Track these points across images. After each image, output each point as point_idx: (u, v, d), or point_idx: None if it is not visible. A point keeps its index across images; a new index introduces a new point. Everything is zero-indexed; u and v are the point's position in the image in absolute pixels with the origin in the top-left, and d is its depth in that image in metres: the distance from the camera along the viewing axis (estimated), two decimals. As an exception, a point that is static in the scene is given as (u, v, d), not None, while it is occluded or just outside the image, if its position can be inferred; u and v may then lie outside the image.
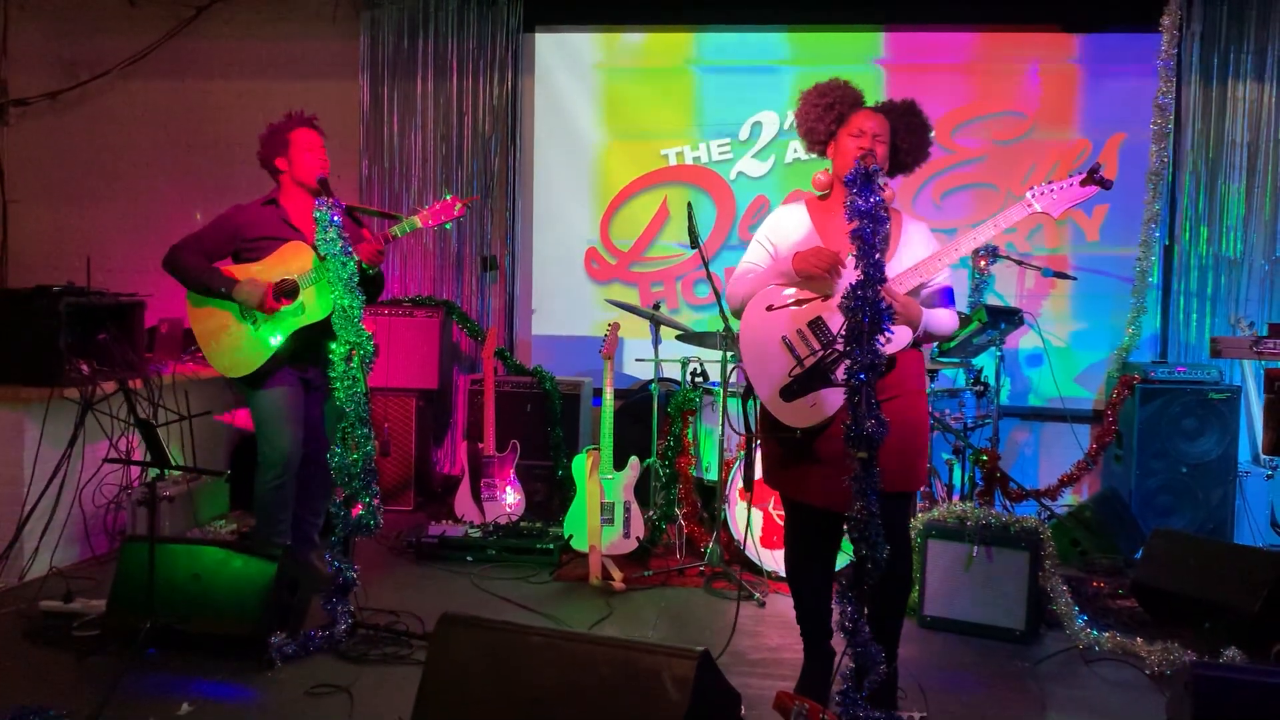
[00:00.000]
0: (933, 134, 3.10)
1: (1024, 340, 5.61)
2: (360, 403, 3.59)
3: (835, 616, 2.89)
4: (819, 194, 3.09)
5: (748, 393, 3.09)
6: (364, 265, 3.75)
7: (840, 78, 3.10)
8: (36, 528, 4.16)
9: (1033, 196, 2.89)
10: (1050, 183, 2.89)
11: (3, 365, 4.20)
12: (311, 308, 3.83)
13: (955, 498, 4.78)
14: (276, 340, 3.83)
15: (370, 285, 4.00)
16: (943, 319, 3.02)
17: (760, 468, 3.29)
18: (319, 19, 6.15)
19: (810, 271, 2.91)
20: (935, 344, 4.56)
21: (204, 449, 5.07)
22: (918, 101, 3.08)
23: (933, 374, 4.93)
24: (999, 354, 5.12)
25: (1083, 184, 2.86)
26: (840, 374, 2.78)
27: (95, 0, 6.19)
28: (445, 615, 2.56)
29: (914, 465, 2.95)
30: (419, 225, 3.83)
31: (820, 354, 2.87)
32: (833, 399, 2.84)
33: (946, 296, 3.07)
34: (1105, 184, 2.86)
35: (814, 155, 3.16)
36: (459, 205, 3.82)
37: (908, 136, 3.02)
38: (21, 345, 4.17)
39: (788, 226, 3.10)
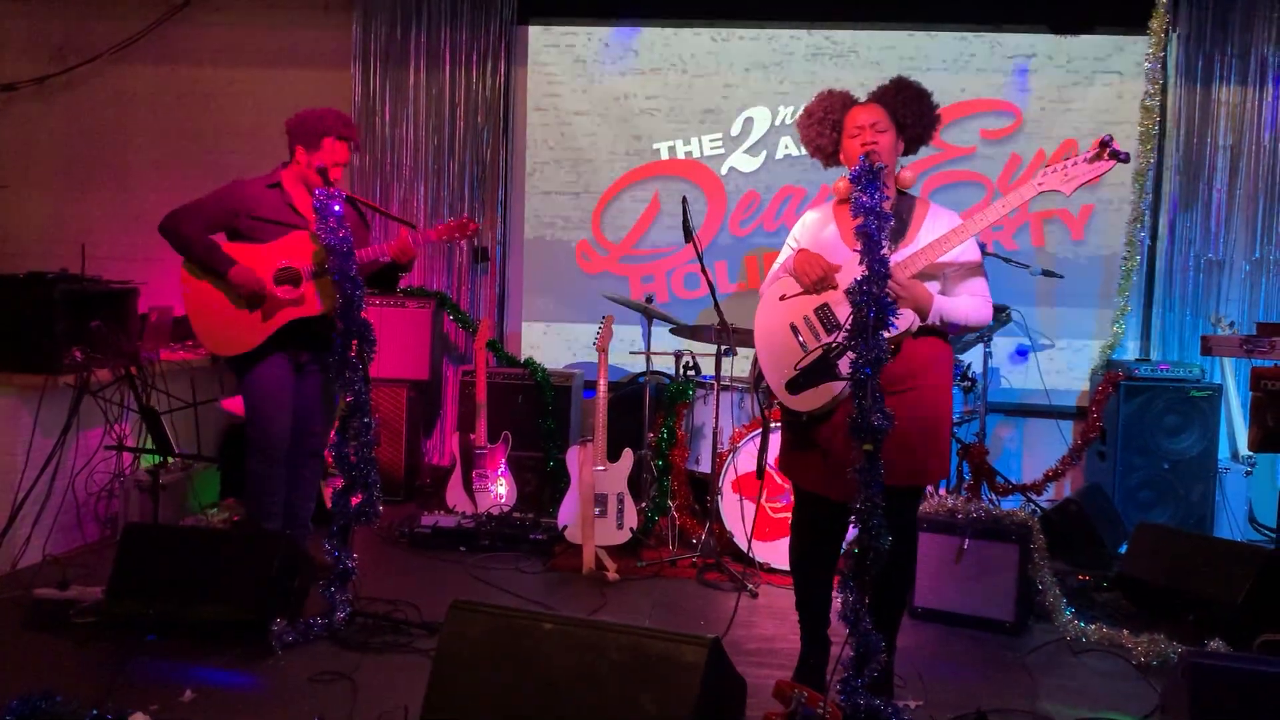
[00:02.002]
0: (934, 96, 3.06)
1: (1010, 337, 5.68)
2: (361, 392, 3.60)
3: (836, 606, 2.94)
4: (840, 200, 3.11)
5: (759, 379, 3.13)
6: (397, 262, 3.85)
7: (824, 89, 3.15)
8: (30, 515, 4.14)
9: (1042, 176, 2.85)
10: (1062, 161, 2.83)
11: (-3, 351, 4.18)
12: (309, 301, 3.84)
13: (943, 491, 4.84)
14: (270, 327, 3.83)
15: (389, 279, 4.04)
16: (964, 305, 2.97)
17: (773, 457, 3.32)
18: (311, 7, 6.12)
19: (800, 278, 2.98)
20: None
21: (194, 436, 5.06)
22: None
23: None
24: (986, 350, 5.19)
25: (1093, 160, 2.78)
26: (845, 368, 2.82)
27: (85, -16, 6.15)
28: (456, 602, 2.58)
29: (925, 461, 2.98)
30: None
31: (823, 348, 2.92)
32: (835, 385, 2.88)
33: (980, 274, 3.03)
34: (1120, 157, 2.76)
35: (833, 166, 3.18)
36: (472, 226, 3.89)
37: (906, 110, 3.02)
38: (16, 332, 4.14)
39: (810, 226, 3.16)
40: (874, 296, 2.74)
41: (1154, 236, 5.66)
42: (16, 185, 6.27)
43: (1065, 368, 5.77)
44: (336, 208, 3.66)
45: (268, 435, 3.92)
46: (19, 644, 3.42)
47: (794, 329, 3.00)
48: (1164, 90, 5.52)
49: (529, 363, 5.65)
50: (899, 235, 2.97)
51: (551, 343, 6.11)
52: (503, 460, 5.18)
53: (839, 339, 2.88)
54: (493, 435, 5.17)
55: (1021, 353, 5.72)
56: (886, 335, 2.77)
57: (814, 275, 2.95)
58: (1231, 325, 5.40)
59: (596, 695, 2.34)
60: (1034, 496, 5.13)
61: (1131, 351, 5.67)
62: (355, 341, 3.59)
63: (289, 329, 3.84)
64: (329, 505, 3.70)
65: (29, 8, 6.19)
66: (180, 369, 4.86)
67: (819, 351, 2.91)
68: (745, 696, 2.61)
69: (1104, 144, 2.80)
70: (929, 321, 2.92)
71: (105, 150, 6.25)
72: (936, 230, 2.96)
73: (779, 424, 3.22)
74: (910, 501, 3.10)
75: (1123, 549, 4.50)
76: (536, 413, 5.51)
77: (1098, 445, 5.32)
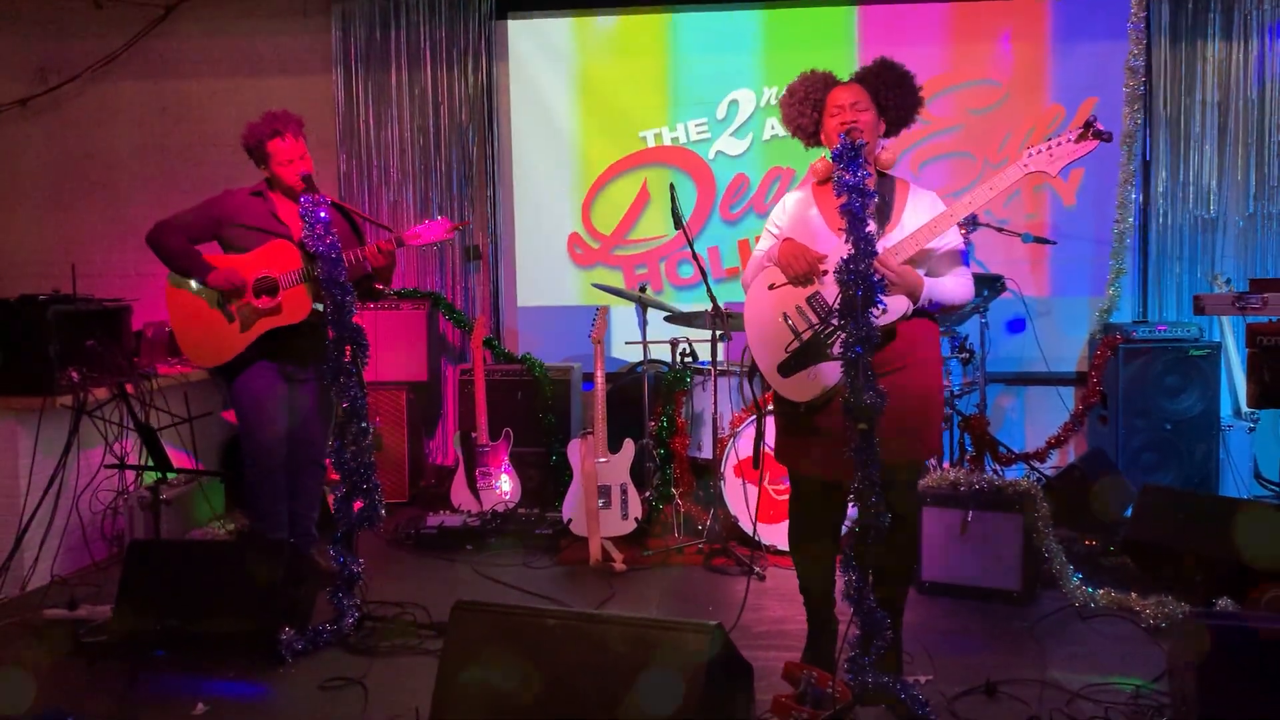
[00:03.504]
0: (916, 78, 3.05)
1: (1006, 306, 5.67)
2: (357, 397, 3.60)
3: (839, 585, 2.94)
4: (820, 181, 3.10)
5: (752, 370, 3.12)
6: (374, 271, 3.82)
7: (807, 69, 3.13)
8: (35, 537, 4.15)
9: (1028, 157, 2.87)
10: (1046, 141, 2.86)
11: (-7, 375, 4.17)
12: (289, 309, 3.83)
13: (946, 464, 4.84)
14: (249, 336, 3.84)
15: (366, 290, 4.02)
16: (951, 286, 2.98)
17: (770, 443, 3.32)
18: (289, 13, 6.10)
19: (784, 270, 2.97)
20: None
21: (191, 449, 5.06)
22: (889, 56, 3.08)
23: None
24: (983, 321, 5.17)
25: (1078, 140, 2.81)
26: (836, 348, 2.81)
27: (62, 3, 6.11)
28: (459, 603, 2.59)
29: (921, 435, 2.99)
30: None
31: (814, 329, 2.91)
32: (829, 372, 2.87)
33: (961, 258, 3.05)
34: (1104, 136, 2.81)
35: (814, 147, 3.16)
36: (449, 227, 3.87)
37: (889, 92, 3.01)
38: (11, 355, 4.14)
39: (792, 211, 3.14)
40: (861, 275, 2.73)
41: (1146, 197, 5.63)
42: (6, 207, 6.27)
43: (1063, 333, 5.75)
44: (322, 214, 3.66)
45: (260, 444, 3.92)
46: (31, 666, 3.42)
47: (785, 318, 2.98)
48: (1148, 50, 5.48)
49: (526, 358, 5.65)
50: (884, 219, 2.96)
51: (548, 337, 6.10)
52: (505, 457, 5.18)
53: (831, 322, 2.87)
54: (494, 432, 5.17)
55: (1017, 326, 5.69)
56: (881, 322, 2.76)
57: (799, 269, 2.94)
58: (1228, 282, 5.38)
59: (602, 688, 2.34)
60: (1037, 465, 5.13)
61: (1129, 314, 5.65)
62: (348, 347, 3.59)
63: (272, 339, 3.85)
64: (334, 511, 3.70)
65: (9, 29, 6.18)
66: (178, 383, 4.86)
67: (810, 334, 2.91)
68: (753, 680, 2.61)
69: (1088, 124, 2.83)
70: (919, 304, 2.93)
71: (92, 168, 6.25)
72: (919, 211, 2.98)
73: (770, 410, 3.22)
74: (910, 477, 3.11)
75: (1128, 512, 4.49)
76: (536, 408, 5.50)
77: (1099, 410, 5.30)
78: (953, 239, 3.00)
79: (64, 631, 3.63)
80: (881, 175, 3.03)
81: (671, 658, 2.34)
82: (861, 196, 2.79)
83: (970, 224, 5.20)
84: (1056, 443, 5.21)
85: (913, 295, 2.89)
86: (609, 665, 2.36)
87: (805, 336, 2.92)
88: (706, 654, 2.32)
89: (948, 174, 5.71)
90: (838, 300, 2.79)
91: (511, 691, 2.39)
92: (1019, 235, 5.24)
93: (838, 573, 3.08)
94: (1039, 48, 5.70)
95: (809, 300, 2.97)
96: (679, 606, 3.95)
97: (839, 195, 2.82)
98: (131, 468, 4.08)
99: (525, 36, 6.05)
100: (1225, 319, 5.41)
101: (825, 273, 2.92)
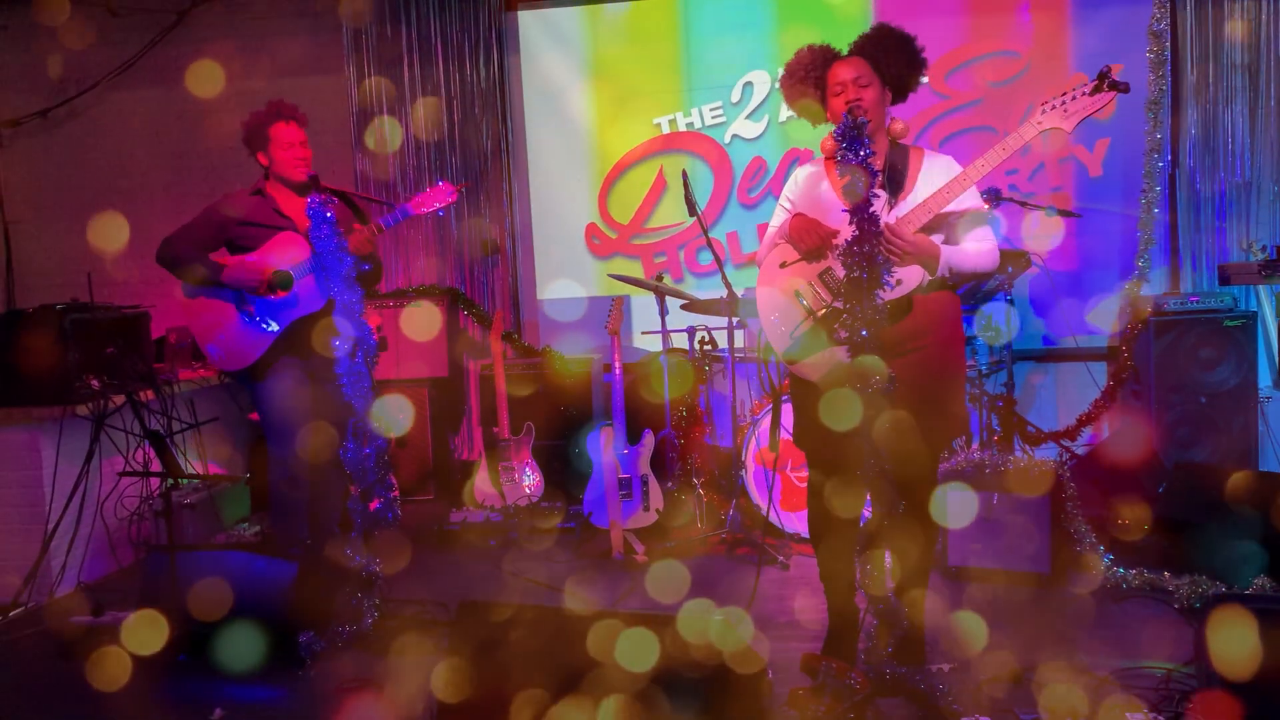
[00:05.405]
0: (917, 40, 2.95)
1: (1033, 282, 5.55)
2: (368, 397, 3.59)
3: (860, 574, 2.88)
4: (830, 158, 3.02)
5: (768, 354, 3.06)
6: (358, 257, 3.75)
7: (804, 45, 3.03)
8: (61, 544, 4.20)
9: (1042, 114, 2.75)
10: (1060, 96, 2.74)
11: (13, 386, 4.21)
12: (306, 298, 3.82)
13: (974, 446, 4.75)
14: (272, 330, 3.83)
15: (366, 278, 3.98)
16: (972, 253, 2.89)
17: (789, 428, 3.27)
18: (300, 14, 6.10)
19: (796, 246, 2.90)
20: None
21: (223, 453, 5.10)
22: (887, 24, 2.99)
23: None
24: (1009, 297, 5.07)
25: (1093, 92, 2.70)
26: (841, 332, 2.75)
27: (77, 13, 6.15)
28: (464, 603, 2.57)
29: (944, 418, 2.91)
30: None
31: (829, 306, 2.84)
32: (844, 351, 2.80)
33: (983, 222, 2.95)
34: (1120, 87, 2.69)
35: (821, 125, 3.09)
36: (451, 190, 3.80)
37: (891, 60, 2.92)
38: (30, 365, 4.17)
39: (803, 185, 3.07)
40: (866, 257, 2.67)
41: (1175, 165, 5.48)
42: (30, 219, 6.34)
43: (1092, 308, 5.61)
44: (330, 214, 3.64)
45: (285, 446, 3.91)
46: (56, 672, 3.46)
47: (799, 295, 2.92)
48: (1173, 13, 5.33)
49: (546, 351, 5.63)
50: (897, 188, 2.89)
51: (568, 329, 6.06)
52: (528, 450, 5.16)
53: (836, 304, 2.81)
54: (516, 426, 5.15)
55: (1045, 302, 5.56)
56: (896, 294, 2.69)
57: (811, 243, 2.87)
58: (1264, 249, 5.21)
59: (604, 684, 2.31)
60: (1068, 443, 5.02)
61: (1160, 285, 5.51)
62: (359, 347, 3.58)
63: (294, 332, 3.83)
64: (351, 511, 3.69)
65: (26, 42, 6.23)
66: (200, 388, 4.89)
67: (824, 311, 2.84)
68: (765, 673, 2.56)
69: (1103, 75, 2.71)
70: (938, 275, 2.84)
71: (112, 176, 6.30)
72: (933, 178, 2.88)
73: (788, 396, 3.16)
74: (932, 461, 3.03)
75: (1162, 490, 4.38)
76: (557, 400, 5.48)
77: (1131, 385, 5.18)
78: (970, 201, 2.89)
79: (90, 638, 3.65)
80: (893, 144, 2.95)
81: (679, 652, 2.30)
82: (865, 176, 2.72)
83: (994, 199, 5.08)
84: (1088, 420, 5.11)
85: (929, 265, 2.80)
86: (610, 661, 2.32)
87: (819, 314, 2.86)
88: (715, 646, 2.27)
89: (970, 149, 5.57)
90: (845, 280, 2.73)
91: (516, 689, 2.37)
92: (1043, 209, 5.11)
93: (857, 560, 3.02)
94: (1059, 16, 5.56)
95: (821, 277, 2.90)
96: (701, 597, 3.91)
97: (842, 176, 2.75)
98: (147, 474, 4.10)
99: (536, 27, 6.01)
100: (1261, 287, 5.26)
101: (838, 247, 2.85)
